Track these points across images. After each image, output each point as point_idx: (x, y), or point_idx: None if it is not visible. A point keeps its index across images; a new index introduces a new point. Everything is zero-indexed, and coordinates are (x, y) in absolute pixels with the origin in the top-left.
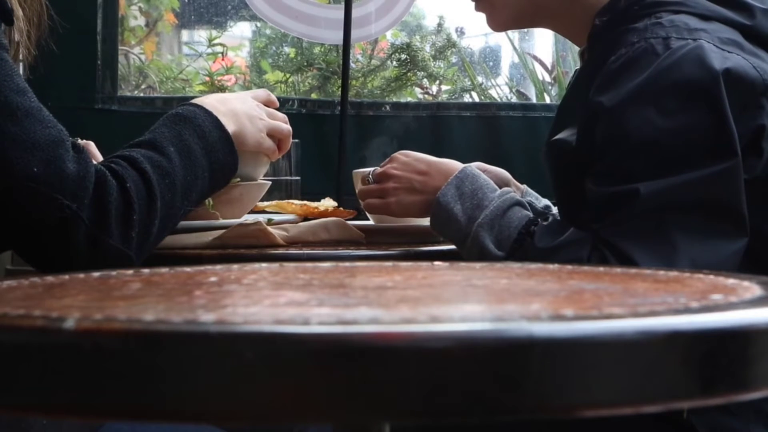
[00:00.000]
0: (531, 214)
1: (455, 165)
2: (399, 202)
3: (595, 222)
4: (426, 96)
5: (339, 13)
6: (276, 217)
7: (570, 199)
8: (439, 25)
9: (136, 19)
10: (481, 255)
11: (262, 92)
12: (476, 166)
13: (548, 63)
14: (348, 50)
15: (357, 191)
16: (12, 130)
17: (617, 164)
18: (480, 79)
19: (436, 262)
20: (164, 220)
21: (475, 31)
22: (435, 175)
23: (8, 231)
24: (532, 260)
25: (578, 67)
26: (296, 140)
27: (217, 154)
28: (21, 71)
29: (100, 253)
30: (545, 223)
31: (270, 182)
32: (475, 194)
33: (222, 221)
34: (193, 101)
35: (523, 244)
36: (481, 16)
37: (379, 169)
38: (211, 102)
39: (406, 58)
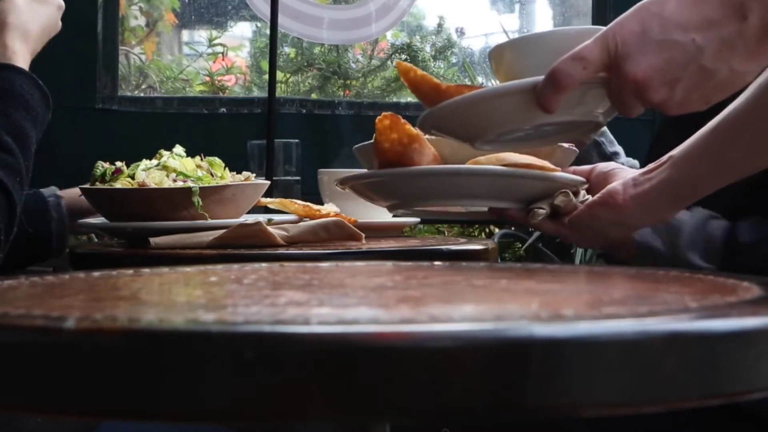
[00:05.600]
0: (726, 222)
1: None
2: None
3: None
4: None
5: (340, 13)
6: (276, 217)
7: None
8: (439, 25)
9: (136, 19)
10: None
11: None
12: None
13: None
14: (275, 35)
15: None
16: None
17: None
18: (480, 79)
19: (436, 262)
20: (18, 208)
21: (475, 32)
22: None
23: None
24: (745, 260)
25: None
26: (296, 140)
27: (42, 116)
28: None
29: None
30: (742, 222)
31: (268, 183)
32: (669, 223)
33: (222, 221)
34: (7, 56)
35: (731, 249)
36: (482, 16)
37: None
38: (21, 49)
39: (407, 59)
